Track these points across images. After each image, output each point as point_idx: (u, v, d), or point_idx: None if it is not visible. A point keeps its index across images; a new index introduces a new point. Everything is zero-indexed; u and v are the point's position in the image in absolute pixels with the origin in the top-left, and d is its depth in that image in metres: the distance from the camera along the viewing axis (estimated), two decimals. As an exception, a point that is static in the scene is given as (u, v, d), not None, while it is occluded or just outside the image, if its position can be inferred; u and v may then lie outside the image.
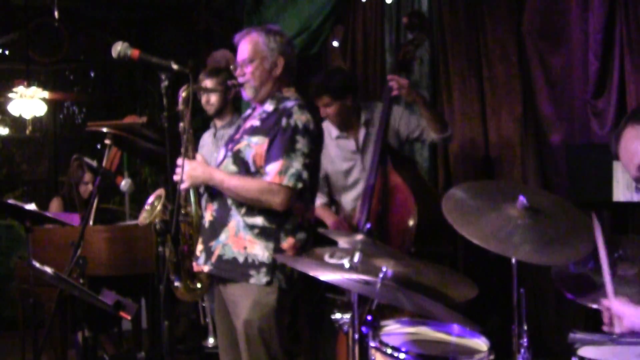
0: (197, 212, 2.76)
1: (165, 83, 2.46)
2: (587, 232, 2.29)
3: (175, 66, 2.46)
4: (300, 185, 2.55)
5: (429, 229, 3.18)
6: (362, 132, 3.62)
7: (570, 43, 3.73)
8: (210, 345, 4.60)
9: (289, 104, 2.63)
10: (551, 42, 3.84)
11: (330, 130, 3.68)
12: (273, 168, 2.55)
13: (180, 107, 2.63)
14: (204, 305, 4.43)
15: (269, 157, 2.57)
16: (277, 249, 2.58)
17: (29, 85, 6.96)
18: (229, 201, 2.63)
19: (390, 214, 3.27)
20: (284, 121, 2.57)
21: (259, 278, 2.57)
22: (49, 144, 7.72)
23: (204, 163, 2.68)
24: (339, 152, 3.69)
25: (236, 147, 2.66)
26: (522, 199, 2.29)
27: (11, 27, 7.16)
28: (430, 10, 4.54)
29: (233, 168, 2.64)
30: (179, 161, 2.59)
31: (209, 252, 2.65)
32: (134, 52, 2.47)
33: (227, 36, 6.59)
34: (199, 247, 2.70)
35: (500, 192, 2.45)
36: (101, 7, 7.30)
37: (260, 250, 2.58)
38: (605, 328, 2.09)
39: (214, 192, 2.69)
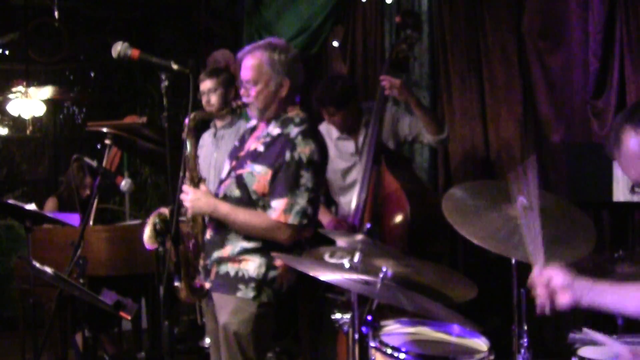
0: (202, 225, 2.77)
1: (165, 83, 2.46)
2: (587, 232, 2.30)
3: (175, 66, 2.45)
4: (305, 221, 2.55)
5: (422, 228, 3.18)
6: (361, 134, 3.62)
7: (570, 43, 3.73)
8: (206, 345, 4.60)
9: (293, 132, 2.58)
10: (551, 42, 3.84)
11: (331, 131, 3.68)
12: (278, 205, 2.54)
13: (185, 135, 2.61)
14: (201, 305, 4.43)
15: (273, 192, 2.56)
16: (271, 266, 2.60)
17: (28, 85, 6.96)
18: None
19: (384, 213, 3.27)
20: (287, 155, 2.54)
21: (246, 292, 2.58)
22: (49, 144, 7.71)
23: (208, 193, 2.66)
24: (338, 153, 3.69)
25: (239, 172, 2.65)
26: (522, 199, 2.28)
27: (11, 27, 7.16)
28: (430, 10, 4.53)
29: (237, 192, 2.63)
30: (184, 187, 2.60)
31: (206, 269, 2.69)
32: (134, 52, 2.46)
33: (227, 36, 6.61)
34: (201, 262, 2.72)
35: (500, 192, 2.45)
36: (101, 7, 7.30)
37: (252, 266, 2.59)
38: (541, 309, 1.83)
39: None
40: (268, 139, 2.64)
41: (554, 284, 1.82)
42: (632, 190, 1.84)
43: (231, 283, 2.60)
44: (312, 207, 2.58)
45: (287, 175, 2.54)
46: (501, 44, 4.06)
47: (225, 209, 2.61)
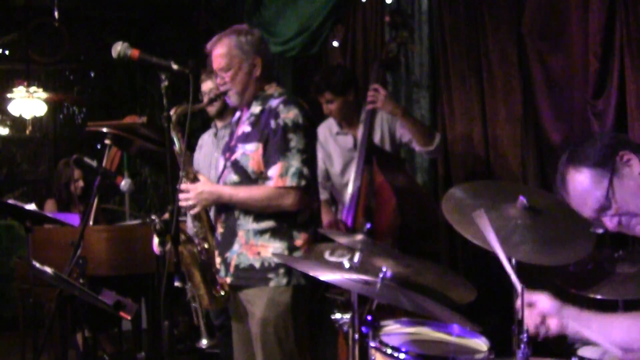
0: (208, 224, 2.78)
1: (165, 83, 2.46)
2: (587, 232, 2.30)
3: (175, 66, 2.45)
4: (303, 182, 2.58)
5: (412, 228, 3.20)
6: (360, 130, 3.62)
7: (570, 43, 3.73)
8: (204, 346, 4.59)
9: (274, 102, 2.65)
10: (551, 43, 3.84)
11: (331, 126, 3.70)
12: (274, 172, 2.58)
13: (172, 129, 2.62)
14: (194, 305, 4.41)
15: (267, 162, 2.60)
16: (292, 247, 2.62)
17: (29, 85, 6.97)
18: (236, 212, 2.66)
19: (376, 213, 3.29)
20: (272, 123, 2.60)
21: (279, 280, 2.60)
22: (49, 144, 7.72)
23: (208, 183, 2.69)
24: (337, 149, 3.70)
25: (233, 157, 2.69)
26: (522, 199, 2.29)
27: (11, 27, 7.16)
28: (430, 10, 4.53)
29: (235, 178, 2.67)
30: (183, 186, 2.61)
31: (226, 263, 2.69)
32: (134, 52, 2.46)
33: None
34: (217, 259, 2.73)
35: (500, 192, 2.46)
36: (101, 7, 7.31)
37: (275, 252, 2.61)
38: (532, 333, 1.86)
39: (220, 205, 2.72)
40: (253, 119, 2.69)
41: (541, 309, 1.88)
42: (595, 230, 1.85)
43: (260, 275, 2.61)
44: (308, 168, 2.60)
45: (276, 142, 2.58)
46: (501, 44, 4.06)
47: (228, 191, 2.65)
